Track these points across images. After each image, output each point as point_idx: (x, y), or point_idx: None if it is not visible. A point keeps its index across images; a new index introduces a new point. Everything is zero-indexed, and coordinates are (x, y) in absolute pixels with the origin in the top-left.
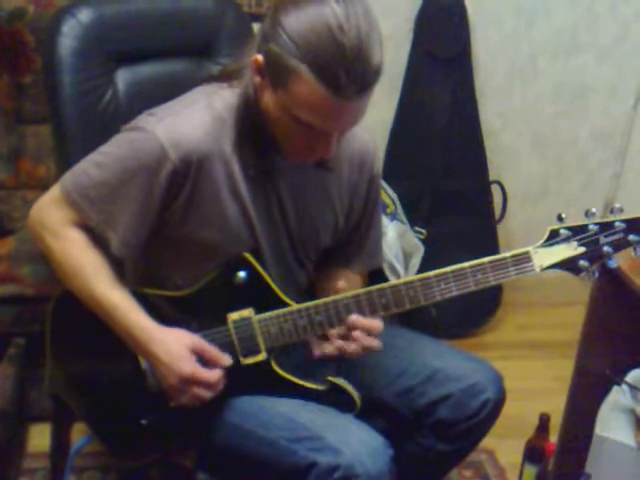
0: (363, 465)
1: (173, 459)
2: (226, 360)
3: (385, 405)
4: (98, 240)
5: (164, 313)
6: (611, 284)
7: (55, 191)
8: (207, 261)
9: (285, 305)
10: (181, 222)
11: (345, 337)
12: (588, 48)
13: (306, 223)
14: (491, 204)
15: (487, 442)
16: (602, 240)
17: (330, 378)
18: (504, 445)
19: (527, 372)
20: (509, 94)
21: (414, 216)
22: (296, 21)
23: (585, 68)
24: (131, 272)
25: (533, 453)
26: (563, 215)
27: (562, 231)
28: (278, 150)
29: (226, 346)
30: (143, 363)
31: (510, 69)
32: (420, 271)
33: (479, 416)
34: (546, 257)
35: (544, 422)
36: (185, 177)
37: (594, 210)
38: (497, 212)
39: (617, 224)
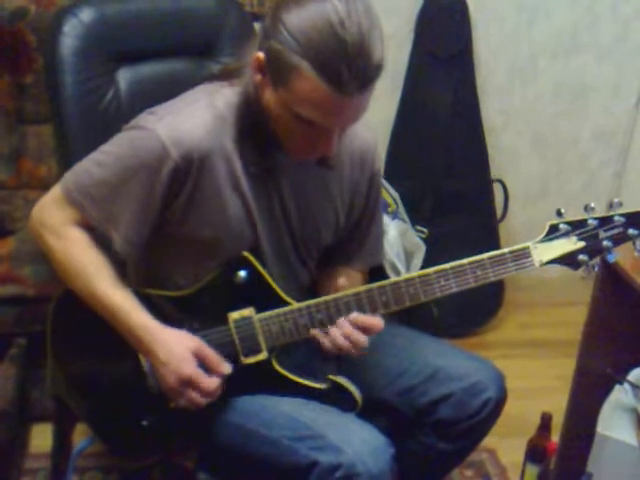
0: (364, 464)
1: (174, 459)
2: (226, 368)
3: (386, 404)
4: (100, 240)
5: (165, 313)
6: (613, 283)
7: (56, 191)
8: (208, 259)
9: (286, 304)
10: (182, 220)
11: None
12: (589, 47)
13: (308, 221)
14: (492, 203)
15: (488, 441)
16: (601, 234)
17: (331, 377)
18: (505, 444)
19: (529, 371)
20: (510, 93)
21: (415, 215)
22: (297, 18)
23: (586, 67)
24: (133, 272)
25: (535, 452)
26: (562, 210)
27: (561, 226)
28: (280, 148)
29: (227, 345)
30: (144, 364)
31: (511, 68)
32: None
33: (480, 415)
34: (545, 252)
35: (546, 421)
36: (186, 175)
37: (593, 205)
38: (498, 211)
39: (616, 218)
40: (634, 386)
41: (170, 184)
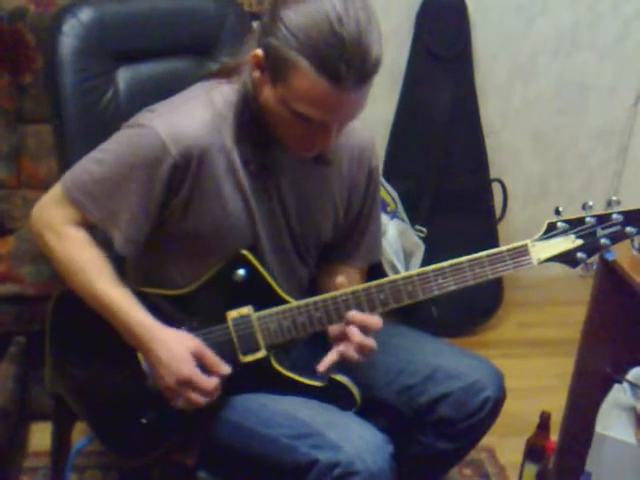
0: (363, 462)
1: (174, 458)
2: (225, 369)
3: (385, 403)
4: (99, 239)
5: (164, 312)
6: (612, 282)
7: (56, 190)
8: (207, 257)
9: (284, 302)
10: (182, 217)
11: (343, 336)
12: (589, 47)
13: (307, 218)
14: (492, 203)
15: (487, 440)
16: (599, 232)
17: (330, 375)
18: (504, 443)
19: (528, 370)
20: (510, 92)
21: (414, 214)
22: (295, 15)
23: (586, 67)
24: (132, 271)
25: (533, 451)
26: (560, 209)
27: (559, 224)
28: (278, 145)
29: (226, 344)
30: (143, 363)
31: (511, 68)
32: None
33: (479, 414)
34: (544, 250)
35: (545, 420)
36: (185, 172)
37: (591, 203)
38: (498, 211)
39: (614, 216)
40: (633, 385)
41: (169, 181)
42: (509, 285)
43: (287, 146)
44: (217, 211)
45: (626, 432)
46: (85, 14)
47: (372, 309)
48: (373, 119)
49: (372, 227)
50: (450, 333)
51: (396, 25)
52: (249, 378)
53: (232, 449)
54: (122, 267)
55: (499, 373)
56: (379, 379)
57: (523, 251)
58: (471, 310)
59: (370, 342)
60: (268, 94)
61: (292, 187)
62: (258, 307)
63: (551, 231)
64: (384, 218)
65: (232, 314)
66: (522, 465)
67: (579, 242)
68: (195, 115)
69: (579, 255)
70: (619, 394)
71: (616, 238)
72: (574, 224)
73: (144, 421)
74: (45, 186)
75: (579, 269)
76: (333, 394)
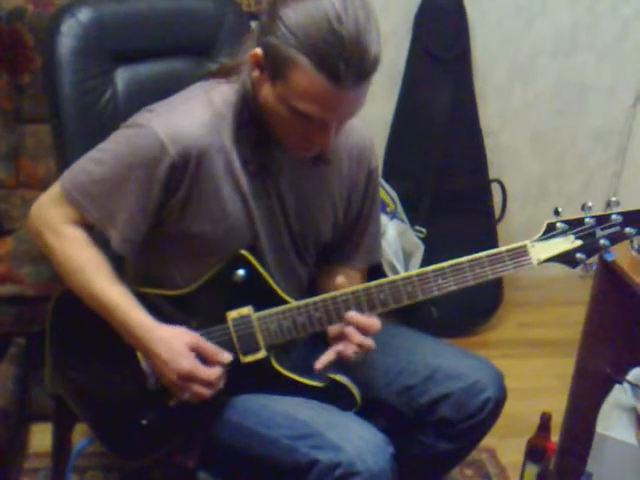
0: (364, 462)
1: (174, 459)
2: (226, 357)
3: (385, 404)
4: (98, 239)
5: (163, 312)
6: (611, 282)
7: (54, 189)
8: (207, 257)
9: (284, 302)
10: (179, 218)
11: (342, 336)
12: (588, 48)
13: (306, 218)
14: (491, 203)
15: (488, 441)
16: (599, 233)
17: (330, 375)
18: (505, 444)
19: (528, 371)
20: (509, 93)
21: (414, 215)
22: (295, 13)
23: (585, 68)
24: (131, 271)
25: (534, 452)
26: (560, 209)
27: (559, 224)
28: (277, 144)
29: (226, 344)
30: (143, 363)
31: (510, 68)
32: None
33: (480, 415)
34: (543, 250)
35: (545, 421)
36: (183, 172)
37: (590, 204)
38: (497, 211)
39: (614, 217)
40: (633, 385)
41: (167, 181)
42: (509, 285)
43: (286, 146)
44: (216, 211)
45: (627, 432)
46: (84, 14)
47: (372, 309)
48: (372, 120)
49: (372, 228)
50: (450, 333)
51: (395, 26)
52: (249, 379)
53: (232, 449)
54: (121, 266)
55: (499, 373)
56: (379, 379)
57: (522, 251)
58: (471, 310)
59: (369, 342)
60: (267, 93)
61: (291, 186)
62: (258, 307)
63: (550, 231)
64: (383, 219)
65: (232, 314)
66: (523, 466)
67: (578, 243)
68: (194, 115)
69: (578, 255)
70: (620, 394)
71: (615, 239)
72: (573, 225)
73: (144, 422)
74: (44, 186)
75: (579, 269)
76: (333, 394)
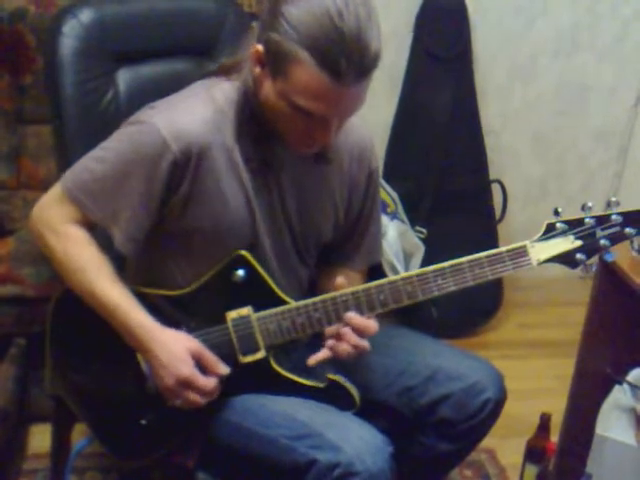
0: (363, 462)
1: (174, 459)
2: (224, 369)
3: (385, 405)
4: (99, 239)
5: (163, 312)
6: (612, 283)
7: (56, 189)
8: (207, 256)
9: (284, 303)
10: (181, 215)
11: (337, 336)
12: (588, 48)
13: (307, 217)
14: (491, 204)
15: (488, 442)
16: (599, 233)
17: (329, 376)
18: (505, 445)
19: (528, 371)
20: (509, 93)
21: (414, 215)
22: (296, 9)
23: (585, 68)
24: (132, 270)
25: (534, 453)
26: (559, 209)
27: (559, 225)
28: (279, 142)
29: (225, 344)
30: (143, 364)
31: (510, 68)
32: None
33: (480, 416)
34: (543, 251)
35: (545, 422)
36: (185, 169)
37: (590, 204)
38: (497, 212)
39: (614, 217)
40: (633, 386)
41: (169, 178)
42: (509, 286)
43: (288, 142)
44: (217, 208)
45: (626, 433)
46: (85, 15)
47: (371, 310)
48: (373, 120)
49: (372, 228)
50: (450, 334)
51: (396, 26)
52: (248, 379)
53: (231, 449)
54: (122, 267)
55: (499, 374)
56: (379, 380)
57: (522, 252)
58: (471, 311)
59: (364, 344)
60: (268, 89)
61: (292, 183)
62: (257, 308)
63: (550, 232)
64: (384, 219)
65: (231, 315)
66: (522, 466)
67: (578, 243)
68: (196, 112)
69: (578, 256)
70: (619, 395)
71: (615, 239)
72: (573, 225)
73: (144, 422)
74: (45, 187)
75: (579, 270)
76: (332, 395)
